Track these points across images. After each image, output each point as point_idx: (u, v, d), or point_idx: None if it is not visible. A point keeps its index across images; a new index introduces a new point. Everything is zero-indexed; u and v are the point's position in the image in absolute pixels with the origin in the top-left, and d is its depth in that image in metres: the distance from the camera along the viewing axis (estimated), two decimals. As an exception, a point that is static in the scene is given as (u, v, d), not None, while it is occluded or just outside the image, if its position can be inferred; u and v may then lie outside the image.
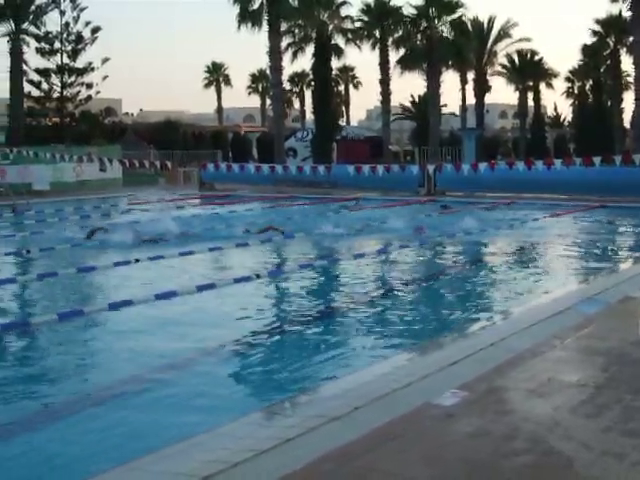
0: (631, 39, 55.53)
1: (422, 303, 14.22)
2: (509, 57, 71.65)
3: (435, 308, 13.70)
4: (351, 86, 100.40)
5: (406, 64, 60.17)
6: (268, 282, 15.85)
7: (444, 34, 59.94)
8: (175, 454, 6.21)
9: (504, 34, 68.82)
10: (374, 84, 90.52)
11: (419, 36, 59.93)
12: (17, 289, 15.47)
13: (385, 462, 5.88)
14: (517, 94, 73.68)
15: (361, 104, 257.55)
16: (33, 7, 56.73)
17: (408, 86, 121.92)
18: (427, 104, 60.22)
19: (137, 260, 17.46)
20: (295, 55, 65.50)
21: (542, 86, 74.12)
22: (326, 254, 19.32)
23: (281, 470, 5.74)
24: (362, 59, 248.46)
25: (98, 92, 59.23)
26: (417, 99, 70.61)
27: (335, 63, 64.75)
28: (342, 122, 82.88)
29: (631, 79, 59.68)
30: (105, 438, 7.33)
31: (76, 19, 57.64)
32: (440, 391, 7.55)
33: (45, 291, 15.35)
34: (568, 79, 74.94)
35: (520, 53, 71.62)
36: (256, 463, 5.93)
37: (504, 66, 71.89)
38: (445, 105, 67.00)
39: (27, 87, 57.37)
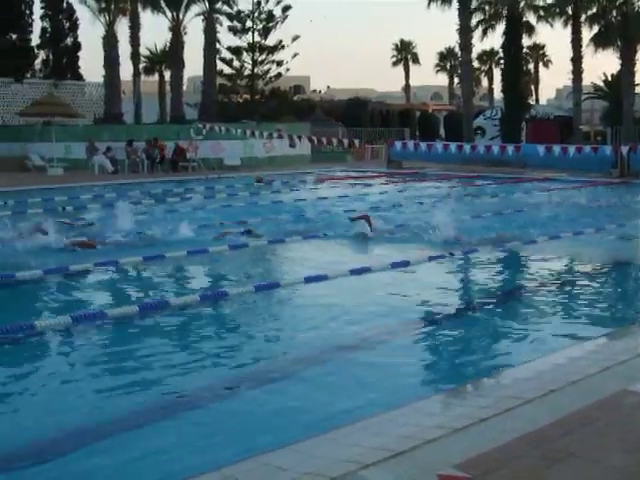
0: None
1: (620, 287, 13.83)
2: None
3: (633, 292, 13.31)
4: (541, 64, 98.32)
5: (599, 41, 58.38)
6: (461, 260, 15.70)
7: (641, 10, 57.93)
8: (369, 427, 6.26)
9: None
10: (565, 62, 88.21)
11: (614, 12, 58.07)
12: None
13: (582, 447, 5.75)
14: None
15: (551, 83, 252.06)
16: (226, -13, 58.04)
17: (601, 64, 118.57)
18: (621, 83, 58.34)
19: (325, 235, 17.70)
20: (485, 33, 64.69)
21: None
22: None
23: (473, 450, 5.69)
24: (553, 36, 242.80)
25: (288, 70, 60.12)
26: (610, 78, 68.52)
27: (525, 41, 63.55)
28: (531, 101, 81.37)
29: None
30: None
31: (267, -2, 58.61)
32: (639, 378, 7.32)
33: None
34: None
35: None
36: (448, 441, 5.90)
37: None
38: (640, 84, 64.75)
39: (219, 65, 58.89)
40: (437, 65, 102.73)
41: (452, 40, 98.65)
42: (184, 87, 62.59)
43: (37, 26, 58.62)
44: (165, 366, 8.77)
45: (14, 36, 55.63)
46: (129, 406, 7.63)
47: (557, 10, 60.16)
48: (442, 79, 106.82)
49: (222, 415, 7.39)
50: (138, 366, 8.90)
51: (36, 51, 58.13)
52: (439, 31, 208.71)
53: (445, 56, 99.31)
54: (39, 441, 6.85)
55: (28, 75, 55.40)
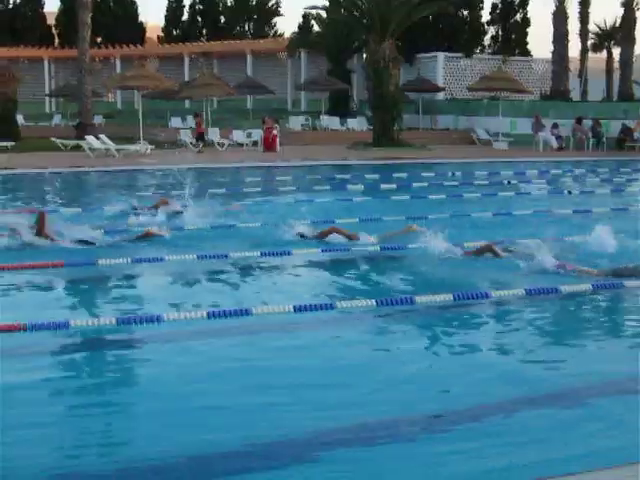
0: None
1: None
2: None
3: None
4: None
5: None
6: None
7: None
8: None
9: None
10: None
11: None
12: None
13: None
14: None
15: None
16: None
17: None
18: None
19: None
20: None
21: None
22: None
23: None
24: None
25: None
26: None
27: None
28: None
29: None
30: None
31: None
32: None
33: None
34: None
35: None
36: None
37: None
38: None
39: None
40: None
41: None
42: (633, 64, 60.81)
43: (488, 2, 59.77)
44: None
45: (465, 12, 56.99)
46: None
47: None
48: None
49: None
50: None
51: (486, 27, 59.26)
52: None
53: None
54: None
55: (477, 50, 56.55)
